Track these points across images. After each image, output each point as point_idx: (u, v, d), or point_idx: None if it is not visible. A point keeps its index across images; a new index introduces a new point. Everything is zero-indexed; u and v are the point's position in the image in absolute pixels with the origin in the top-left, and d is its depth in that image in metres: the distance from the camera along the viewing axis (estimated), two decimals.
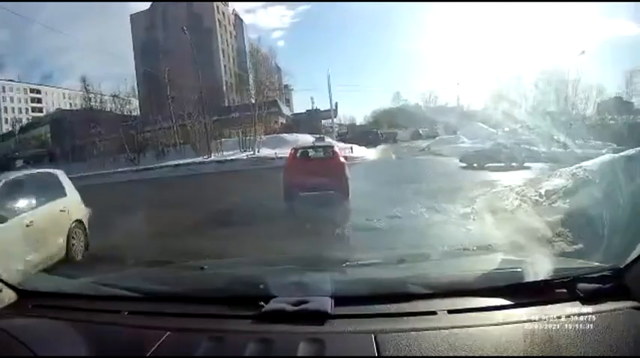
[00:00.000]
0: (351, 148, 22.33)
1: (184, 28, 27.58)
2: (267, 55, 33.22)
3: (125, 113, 29.51)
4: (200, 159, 23.85)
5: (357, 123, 38.88)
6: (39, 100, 38.15)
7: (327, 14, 49.98)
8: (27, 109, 37.97)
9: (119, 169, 22.56)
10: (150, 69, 27.69)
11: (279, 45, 53.84)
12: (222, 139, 26.64)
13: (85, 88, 29.16)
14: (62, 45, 39.31)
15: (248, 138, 26.03)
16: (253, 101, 27.48)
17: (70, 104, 29.96)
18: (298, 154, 9.85)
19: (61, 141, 28.78)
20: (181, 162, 22.97)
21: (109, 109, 28.92)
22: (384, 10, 42.92)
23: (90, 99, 29.09)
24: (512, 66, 41.82)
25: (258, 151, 24.75)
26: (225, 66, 32.09)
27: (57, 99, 32.07)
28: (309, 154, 10.19)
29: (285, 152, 16.82)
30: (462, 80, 43.98)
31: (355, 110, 64.40)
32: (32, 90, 38.38)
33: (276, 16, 68.18)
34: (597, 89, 27.20)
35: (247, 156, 24.01)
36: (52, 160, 27.28)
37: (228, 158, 23.28)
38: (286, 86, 40.38)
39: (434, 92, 36.76)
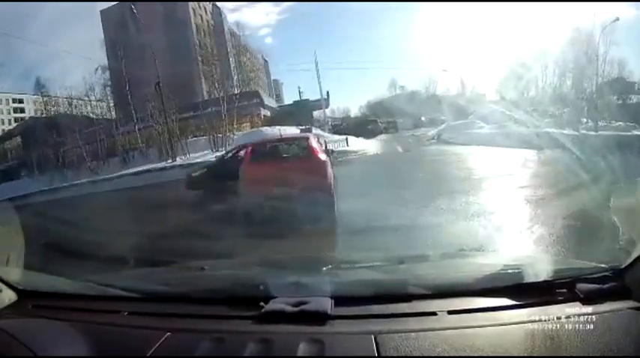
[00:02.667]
0: (346, 140, 20.35)
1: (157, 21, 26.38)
2: (246, 42, 31.91)
3: (100, 117, 27.73)
4: (162, 164, 21.63)
5: (352, 115, 37.83)
6: (22, 110, 37.08)
7: (316, 5, 48.34)
8: (10, 120, 37.12)
9: (76, 181, 20.62)
10: (122, 66, 25.67)
11: (267, 42, 52.96)
12: (191, 139, 24.53)
13: (41, 92, 27.54)
14: (39, 49, 38.03)
15: (220, 135, 23.84)
16: (222, 93, 25.29)
17: (54, 112, 28.33)
18: (257, 153, 7.27)
19: (30, 152, 26.86)
20: (141, 169, 20.79)
21: (82, 115, 27.06)
22: None
23: (46, 104, 27.38)
24: (524, 40, 37.26)
25: None
26: (201, 57, 29.53)
27: (40, 107, 30.47)
28: (274, 152, 7.58)
29: None
30: (466, 61, 41.27)
31: (349, 101, 63.50)
32: (15, 100, 37.46)
33: (262, 13, 67.38)
34: (619, 66, 24.46)
35: (216, 157, 22.29)
36: (24, 173, 25.96)
37: (194, 161, 20.57)
38: (275, 80, 39.74)
39: (433, 77, 35.44)
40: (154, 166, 21.09)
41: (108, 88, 27.49)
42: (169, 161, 22.14)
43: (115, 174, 20.84)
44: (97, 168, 23.68)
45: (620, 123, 18.46)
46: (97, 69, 26.40)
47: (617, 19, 21.85)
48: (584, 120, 20.02)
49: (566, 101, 22.07)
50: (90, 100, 27.33)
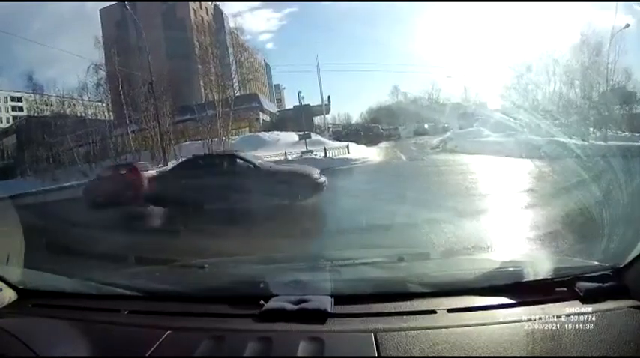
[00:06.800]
0: (347, 147, 19.92)
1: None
2: (247, 44, 31.66)
3: (95, 118, 27.35)
4: None
5: (353, 121, 37.66)
6: (20, 109, 36.95)
7: (316, 11, 48.16)
8: (8, 118, 36.97)
9: (65, 184, 19.91)
10: (117, 66, 25.17)
11: (268, 47, 53.54)
12: (186, 142, 24.29)
13: (34, 90, 27.05)
14: (38, 48, 37.98)
15: (216, 139, 23.61)
16: (218, 96, 24.94)
17: (49, 111, 27.98)
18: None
19: (24, 152, 26.89)
20: None
21: (76, 115, 26.85)
22: None
23: (45, 103, 26.82)
24: (531, 47, 36.17)
25: None
26: (201, 59, 28.73)
27: (39, 106, 30.27)
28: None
29: (261, 154, 15.01)
30: (470, 68, 41.05)
31: (350, 107, 63.72)
32: (13, 98, 37.33)
33: (262, 18, 68.71)
34: (626, 74, 23.35)
35: None
36: (19, 174, 25.98)
37: None
38: (277, 85, 39.77)
39: (437, 83, 35.36)
40: None
41: (101, 88, 27.06)
42: (160, 165, 21.23)
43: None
44: (88, 171, 23.19)
45: (627, 133, 18.28)
46: (89, 68, 26.08)
47: (628, 25, 21.11)
48: (591, 129, 19.80)
49: (573, 110, 21.61)
50: (83, 100, 27.06)
